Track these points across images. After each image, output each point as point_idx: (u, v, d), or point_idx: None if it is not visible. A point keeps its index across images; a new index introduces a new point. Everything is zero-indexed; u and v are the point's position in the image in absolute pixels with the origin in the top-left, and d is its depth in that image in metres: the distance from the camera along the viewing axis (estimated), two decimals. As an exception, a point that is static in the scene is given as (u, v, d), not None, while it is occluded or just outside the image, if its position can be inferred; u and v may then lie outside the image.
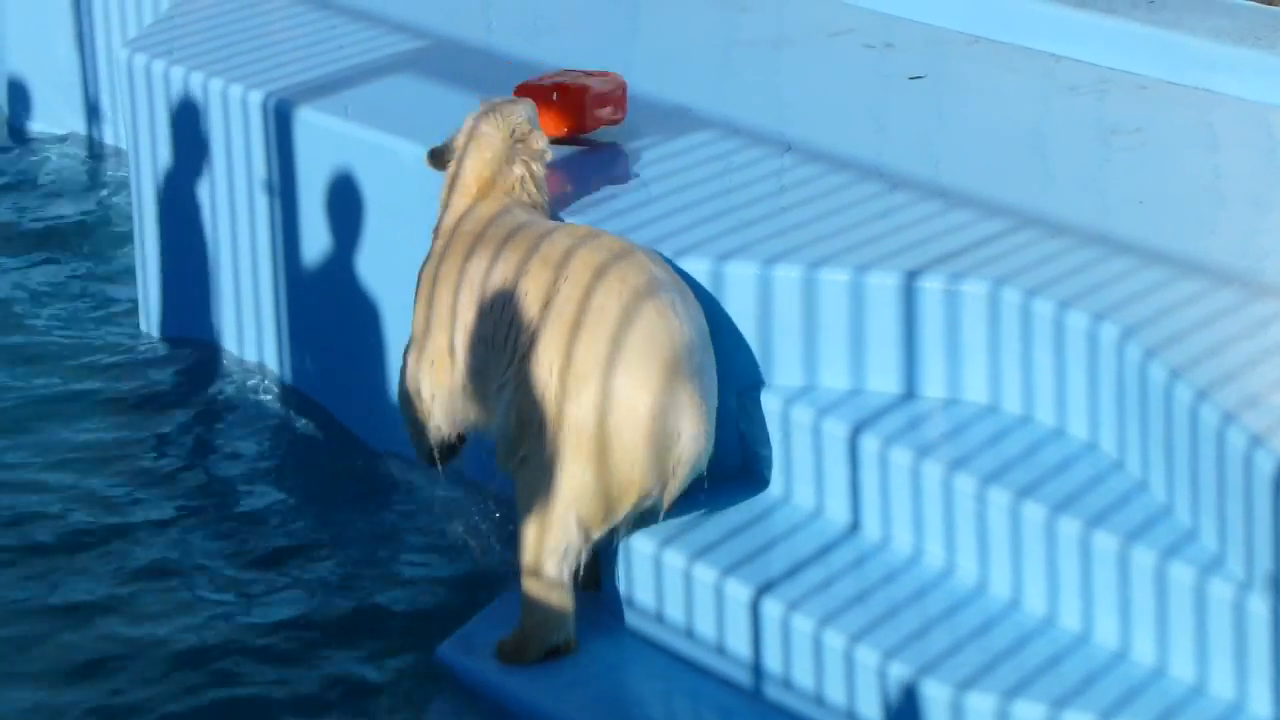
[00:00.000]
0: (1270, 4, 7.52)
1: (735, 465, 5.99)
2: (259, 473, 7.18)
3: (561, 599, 5.79)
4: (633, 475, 5.62)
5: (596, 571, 5.91)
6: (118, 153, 9.14)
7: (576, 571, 5.77)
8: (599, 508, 5.69)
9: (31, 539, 6.69)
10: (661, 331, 5.58)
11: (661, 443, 5.59)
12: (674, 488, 5.66)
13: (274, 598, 6.41)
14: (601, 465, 5.62)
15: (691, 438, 5.60)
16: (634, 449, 5.60)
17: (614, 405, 5.58)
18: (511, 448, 5.80)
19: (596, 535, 5.73)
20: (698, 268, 5.89)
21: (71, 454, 7.22)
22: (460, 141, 6.19)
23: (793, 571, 5.60)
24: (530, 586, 5.81)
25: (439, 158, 6.25)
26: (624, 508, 5.69)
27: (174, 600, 6.43)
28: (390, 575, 6.51)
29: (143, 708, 5.90)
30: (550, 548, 5.74)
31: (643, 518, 5.74)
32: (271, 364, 7.48)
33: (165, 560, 6.63)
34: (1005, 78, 7.30)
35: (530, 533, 5.76)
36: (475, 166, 6.11)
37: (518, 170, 6.07)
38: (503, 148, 6.08)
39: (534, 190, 6.11)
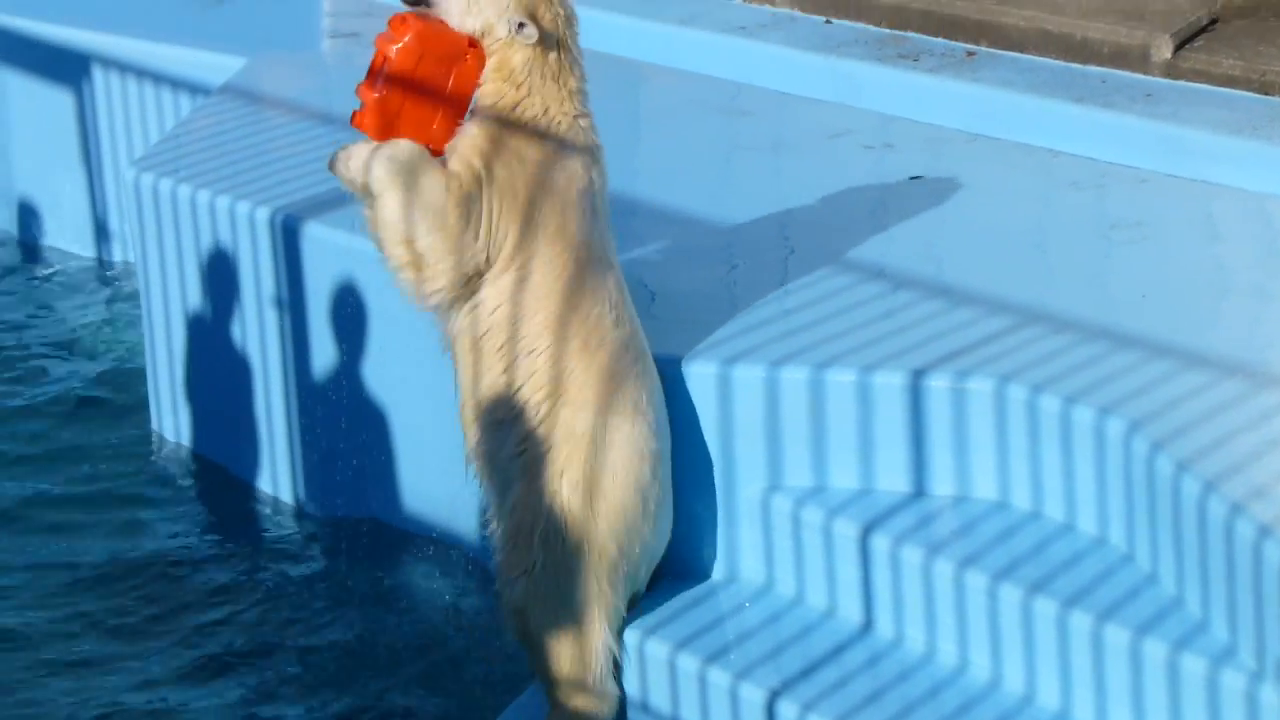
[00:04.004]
0: (1266, 94, 7.57)
1: (748, 567, 6.02)
2: (273, 577, 7.20)
3: (601, 707, 5.85)
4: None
5: None
6: (127, 268, 9.18)
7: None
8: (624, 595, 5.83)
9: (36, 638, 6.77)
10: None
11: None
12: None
13: (305, 701, 6.47)
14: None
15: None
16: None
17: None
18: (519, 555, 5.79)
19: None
20: (705, 371, 5.92)
21: (79, 554, 7.30)
22: None
23: (807, 672, 5.60)
24: (565, 696, 5.85)
25: None
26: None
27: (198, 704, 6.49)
28: (422, 677, 6.55)
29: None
30: (575, 658, 5.81)
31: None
32: (281, 469, 7.51)
33: (179, 666, 6.68)
34: (1005, 175, 7.33)
35: (564, 645, 5.80)
36: None
37: None
38: None
39: None
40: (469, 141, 5.60)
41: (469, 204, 5.56)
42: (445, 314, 5.72)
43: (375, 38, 5.67)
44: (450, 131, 5.65)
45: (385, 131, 5.60)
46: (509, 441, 5.72)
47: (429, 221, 5.54)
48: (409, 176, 5.54)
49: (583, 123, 5.74)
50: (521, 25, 5.60)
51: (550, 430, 5.69)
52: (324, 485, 7.38)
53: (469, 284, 5.64)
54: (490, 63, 5.66)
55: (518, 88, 5.65)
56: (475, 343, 5.69)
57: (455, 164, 5.58)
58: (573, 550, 5.73)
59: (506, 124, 5.63)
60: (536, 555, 5.74)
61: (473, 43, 5.66)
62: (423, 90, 5.62)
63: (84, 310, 9.24)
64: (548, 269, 5.66)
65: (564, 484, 5.69)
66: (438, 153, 5.63)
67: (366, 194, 5.63)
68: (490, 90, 5.65)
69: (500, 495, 5.80)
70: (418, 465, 6.97)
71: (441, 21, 5.67)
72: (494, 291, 5.65)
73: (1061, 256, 6.64)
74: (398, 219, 5.57)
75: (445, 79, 5.65)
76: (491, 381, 5.69)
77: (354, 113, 5.65)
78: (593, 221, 5.72)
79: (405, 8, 5.69)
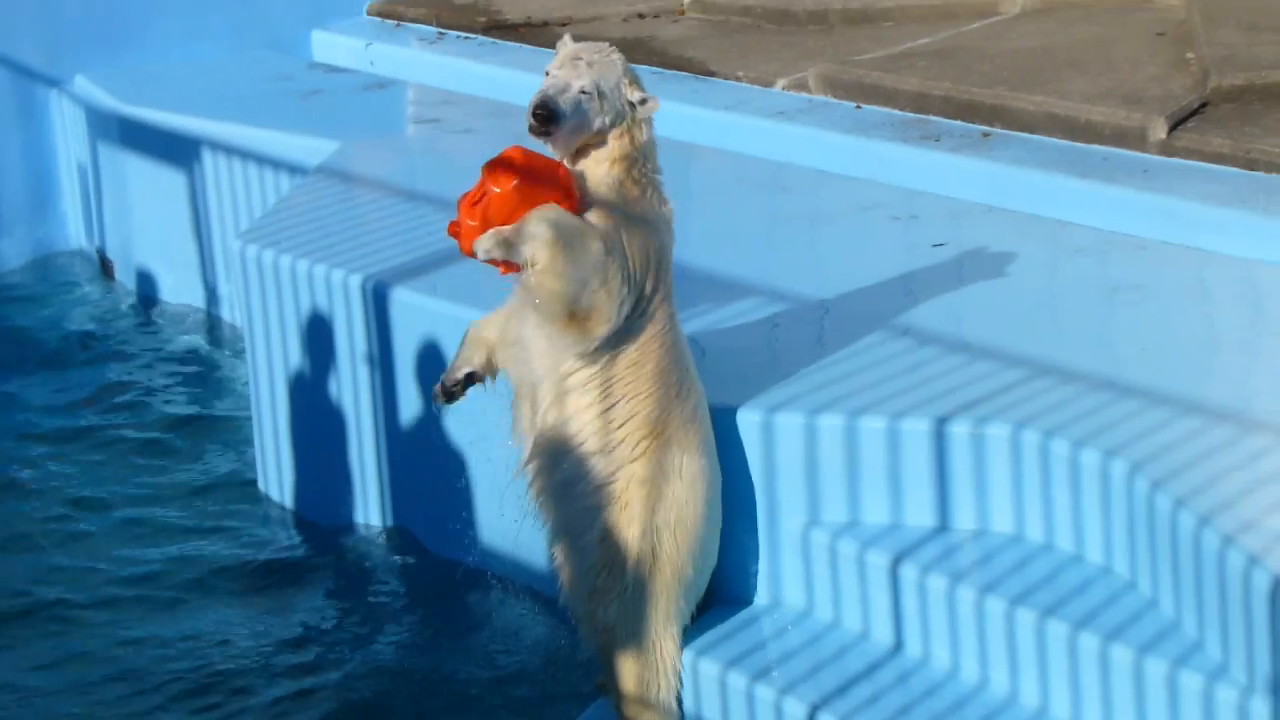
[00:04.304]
0: (1252, 170, 7.57)
1: (790, 593, 6.03)
2: (351, 602, 7.24)
3: None
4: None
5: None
6: (233, 326, 9.23)
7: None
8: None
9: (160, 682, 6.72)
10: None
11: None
12: None
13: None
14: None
15: None
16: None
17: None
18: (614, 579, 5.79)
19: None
20: (752, 418, 5.93)
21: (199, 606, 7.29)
22: None
23: (843, 688, 5.61)
24: (635, 712, 5.87)
25: None
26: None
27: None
28: (485, 695, 6.54)
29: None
30: (647, 679, 5.84)
31: None
32: (373, 505, 7.52)
33: (275, 690, 6.67)
34: (1017, 242, 7.32)
35: (643, 661, 5.83)
36: None
37: None
38: None
39: None
40: (602, 208, 5.54)
41: (621, 258, 5.51)
42: (586, 354, 5.62)
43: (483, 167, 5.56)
44: None
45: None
46: (598, 475, 5.72)
47: (597, 277, 5.46)
48: (577, 240, 5.43)
49: (664, 193, 5.73)
50: (644, 101, 5.59)
51: (646, 466, 5.70)
52: (409, 517, 7.41)
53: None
54: (612, 150, 5.58)
55: (633, 165, 5.59)
56: (584, 384, 5.65)
57: (603, 220, 5.51)
58: (660, 575, 5.77)
59: (625, 193, 5.60)
60: (630, 579, 5.76)
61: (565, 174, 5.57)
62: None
63: (193, 363, 9.29)
64: (661, 322, 5.68)
65: (657, 516, 5.72)
66: None
67: (525, 261, 5.45)
68: (608, 172, 5.58)
69: (584, 525, 5.79)
70: (493, 500, 6.99)
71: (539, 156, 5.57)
72: (629, 341, 5.64)
73: (1069, 315, 6.65)
74: (566, 275, 5.43)
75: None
76: (589, 420, 5.67)
77: (452, 224, 5.58)
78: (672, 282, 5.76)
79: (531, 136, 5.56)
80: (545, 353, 5.66)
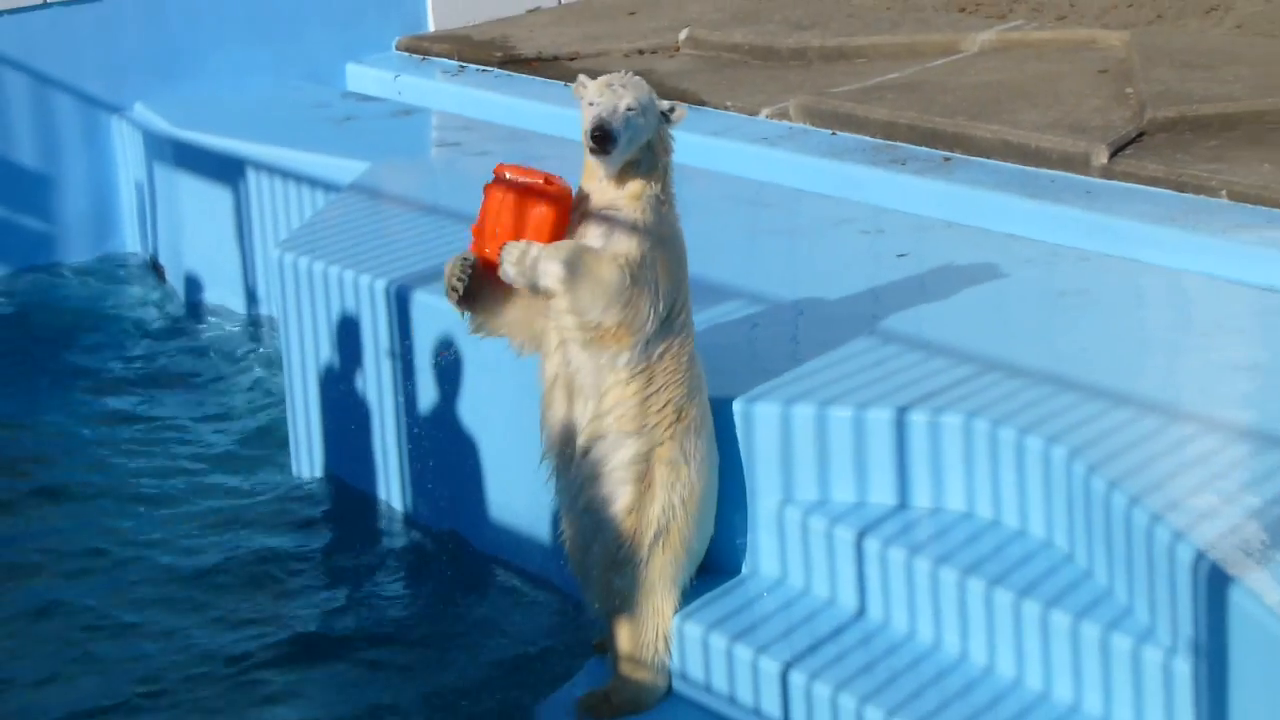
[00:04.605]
0: (1182, 192, 7.59)
1: (766, 564, 6.05)
2: (376, 573, 7.23)
3: (659, 681, 5.88)
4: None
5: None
6: (271, 325, 9.23)
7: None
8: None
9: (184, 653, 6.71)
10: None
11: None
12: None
13: (397, 676, 6.47)
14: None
15: None
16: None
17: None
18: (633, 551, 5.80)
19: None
20: (734, 408, 5.95)
21: (217, 548, 7.35)
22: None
23: (813, 648, 5.63)
24: (630, 669, 5.87)
25: None
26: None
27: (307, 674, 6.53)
28: (494, 655, 6.55)
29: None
30: (646, 641, 5.85)
31: None
32: (394, 487, 7.52)
33: (291, 650, 6.67)
34: (973, 254, 7.33)
35: (647, 624, 5.84)
36: None
37: None
38: None
39: None
40: (625, 225, 5.52)
41: (645, 281, 5.50)
42: (620, 364, 5.61)
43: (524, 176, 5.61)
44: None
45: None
46: (632, 455, 5.71)
47: (619, 299, 5.46)
48: (586, 270, 5.43)
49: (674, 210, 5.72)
50: (673, 109, 5.60)
51: (671, 449, 5.70)
52: (427, 500, 7.40)
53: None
54: (657, 165, 5.58)
55: (655, 180, 5.59)
56: (629, 373, 5.62)
57: (627, 247, 5.50)
58: (671, 547, 5.79)
59: (660, 209, 5.61)
60: (647, 552, 5.77)
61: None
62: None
63: (235, 358, 9.28)
64: (686, 324, 5.70)
65: (675, 495, 5.73)
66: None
67: (548, 294, 5.48)
68: (644, 189, 5.56)
69: (612, 501, 5.77)
70: (502, 484, 7.01)
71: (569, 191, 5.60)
72: (662, 332, 5.63)
73: (1018, 318, 6.67)
74: (586, 305, 5.45)
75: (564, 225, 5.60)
76: (631, 405, 5.64)
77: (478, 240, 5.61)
78: None
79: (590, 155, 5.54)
80: (589, 355, 5.64)
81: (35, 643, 6.69)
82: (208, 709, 6.30)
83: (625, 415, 5.66)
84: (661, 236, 5.57)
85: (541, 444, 5.91)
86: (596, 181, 5.59)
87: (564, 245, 5.47)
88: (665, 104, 5.59)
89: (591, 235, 5.56)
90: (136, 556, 7.32)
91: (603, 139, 5.43)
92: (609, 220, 5.55)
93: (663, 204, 5.60)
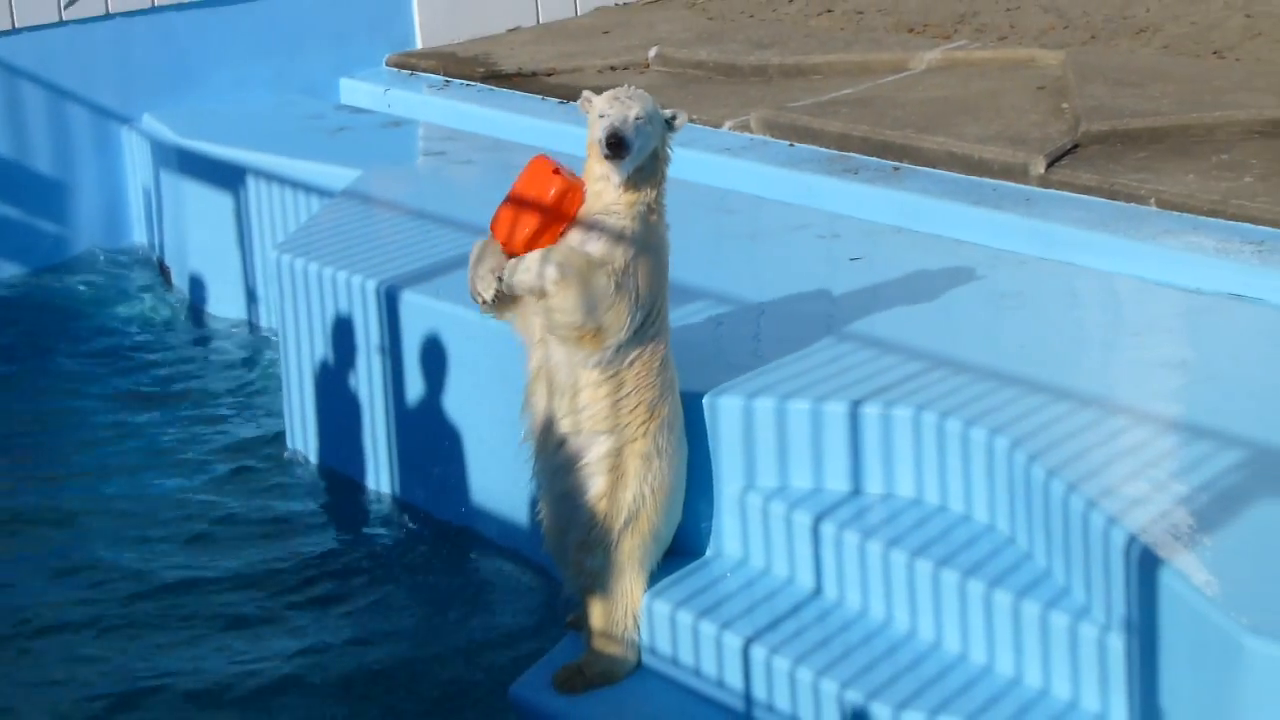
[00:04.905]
0: (1114, 200, 7.58)
1: (729, 546, 6.01)
2: (365, 554, 7.17)
3: (629, 655, 5.83)
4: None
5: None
6: (269, 324, 9.17)
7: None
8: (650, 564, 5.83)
9: (172, 619, 6.66)
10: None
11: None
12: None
13: (372, 647, 6.43)
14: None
15: None
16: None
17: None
18: (603, 535, 5.74)
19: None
20: (699, 401, 5.92)
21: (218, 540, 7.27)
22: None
23: (773, 624, 5.61)
24: (603, 644, 5.82)
25: None
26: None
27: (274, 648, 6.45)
28: (475, 631, 6.50)
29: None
30: (617, 619, 5.80)
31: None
32: (383, 475, 7.47)
33: (254, 612, 6.64)
34: (921, 257, 7.32)
35: (618, 602, 5.79)
36: None
37: None
38: None
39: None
40: (615, 232, 5.47)
41: (627, 287, 5.46)
42: (598, 365, 5.56)
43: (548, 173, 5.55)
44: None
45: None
46: (605, 449, 5.67)
47: (603, 304, 5.42)
48: (578, 275, 5.39)
49: (663, 219, 5.66)
50: (675, 116, 5.55)
51: (645, 443, 5.66)
52: (412, 485, 7.36)
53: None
54: (656, 174, 5.54)
55: (653, 187, 5.54)
56: (602, 377, 5.57)
57: (611, 254, 5.45)
58: (640, 532, 5.74)
59: (649, 219, 5.56)
60: (617, 536, 5.73)
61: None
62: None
63: (235, 354, 9.23)
64: (662, 331, 5.65)
65: (646, 485, 5.69)
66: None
67: (541, 294, 5.45)
68: (639, 199, 5.51)
69: (586, 489, 5.72)
70: (483, 471, 6.97)
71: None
72: (640, 344, 5.58)
73: (962, 318, 6.64)
74: (575, 307, 5.40)
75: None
76: (603, 406, 5.60)
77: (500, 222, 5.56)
78: None
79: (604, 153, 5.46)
80: (565, 352, 5.59)
81: (22, 628, 6.61)
82: (183, 674, 6.27)
83: (597, 415, 5.62)
84: (646, 245, 5.53)
85: (523, 431, 5.86)
86: (593, 184, 5.53)
87: (559, 249, 5.45)
88: (667, 112, 5.56)
89: (581, 239, 5.50)
90: (137, 543, 7.27)
91: (617, 145, 5.38)
92: (599, 226, 5.49)
93: (652, 213, 5.56)
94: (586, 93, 5.62)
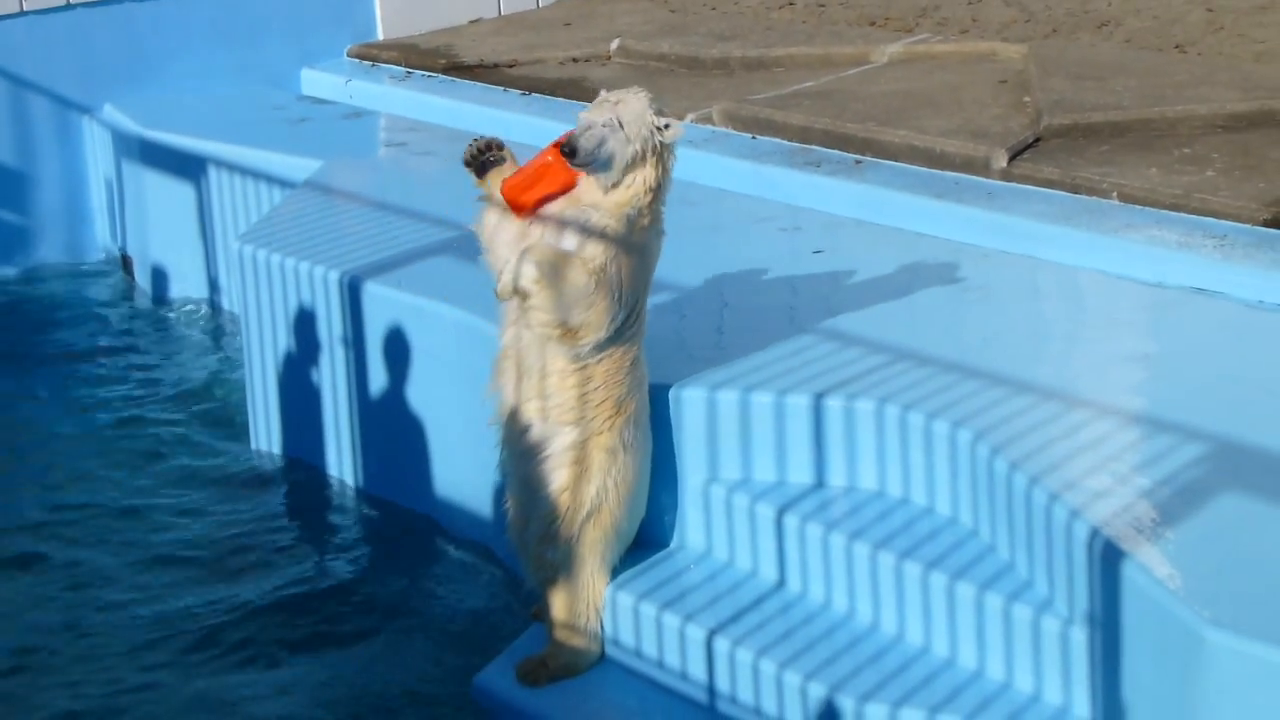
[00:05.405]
0: (1076, 193, 7.57)
1: (693, 539, 5.99)
2: (329, 546, 7.14)
3: (592, 647, 5.81)
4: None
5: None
6: (232, 313, 9.16)
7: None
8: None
9: (136, 610, 6.62)
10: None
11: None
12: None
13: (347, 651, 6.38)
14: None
15: None
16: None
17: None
18: (566, 527, 5.72)
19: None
20: (662, 394, 5.90)
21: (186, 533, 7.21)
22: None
23: (736, 616, 5.59)
24: (565, 636, 5.80)
25: None
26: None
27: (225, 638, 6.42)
28: (438, 623, 6.47)
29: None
30: (580, 611, 5.78)
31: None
32: (347, 465, 7.44)
33: (209, 602, 6.62)
34: (883, 250, 7.30)
35: (578, 594, 5.77)
36: None
37: None
38: None
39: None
40: (597, 230, 5.44)
41: (610, 285, 5.43)
42: (578, 357, 5.53)
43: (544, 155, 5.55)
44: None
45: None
46: (569, 442, 5.64)
47: (582, 302, 5.40)
48: (555, 272, 5.38)
49: (660, 223, 5.64)
50: (668, 126, 5.49)
51: (610, 438, 5.63)
52: (376, 476, 7.33)
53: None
54: (647, 179, 5.49)
55: (656, 196, 5.54)
56: (570, 370, 5.54)
57: (595, 252, 5.43)
58: (601, 525, 5.72)
59: (636, 223, 5.53)
60: (578, 529, 5.70)
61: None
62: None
63: (198, 344, 9.17)
64: (639, 333, 5.62)
65: (610, 479, 5.67)
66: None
67: (521, 294, 5.44)
68: (628, 202, 5.48)
69: (548, 480, 5.69)
70: (447, 462, 6.93)
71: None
72: (614, 339, 5.55)
73: (925, 310, 6.62)
74: (553, 305, 5.40)
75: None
76: (570, 399, 5.58)
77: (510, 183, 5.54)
78: None
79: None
80: (538, 342, 5.57)
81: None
82: (151, 666, 6.22)
83: (563, 406, 5.60)
84: (630, 246, 5.50)
85: (491, 414, 5.85)
86: (584, 180, 5.51)
87: (537, 248, 5.43)
88: (661, 121, 5.49)
89: (561, 236, 5.49)
90: (101, 534, 7.22)
91: (570, 153, 5.38)
92: (581, 222, 5.47)
93: (643, 217, 5.53)
94: (603, 92, 5.59)
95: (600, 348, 5.52)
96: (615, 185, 5.46)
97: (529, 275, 5.39)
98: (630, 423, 5.66)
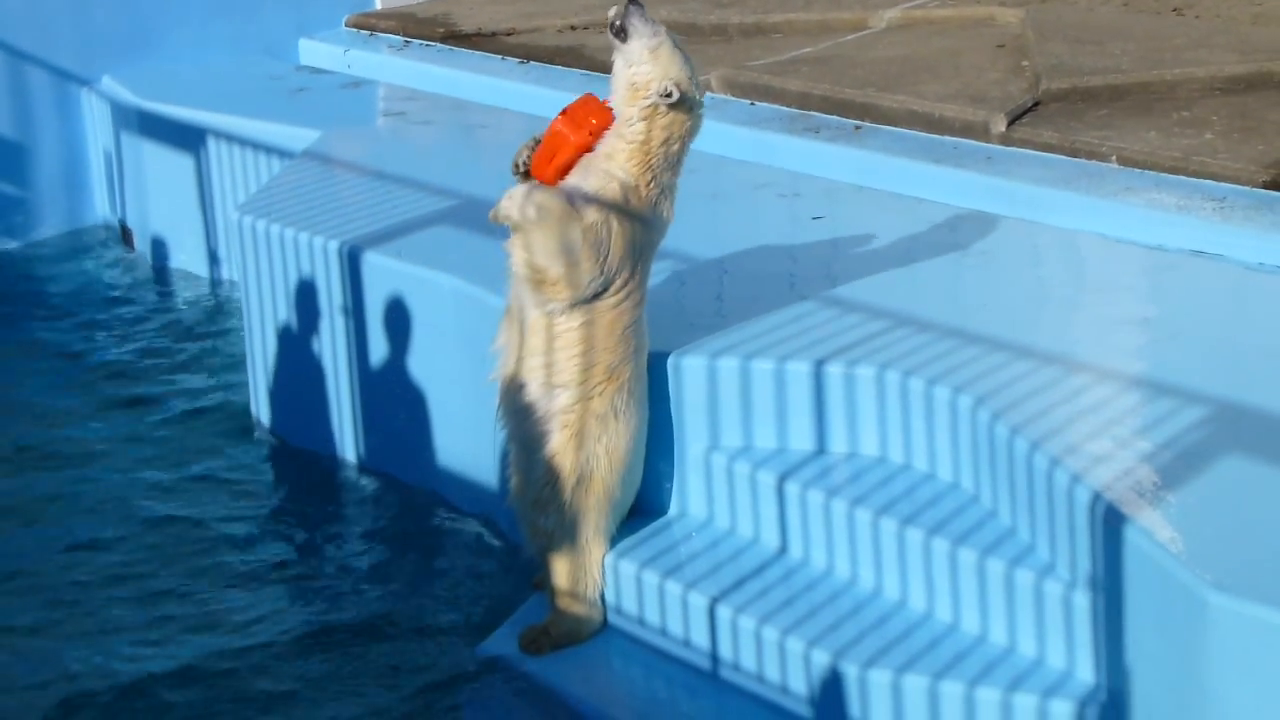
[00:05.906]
0: (1075, 157, 7.53)
1: (694, 506, 5.97)
2: (330, 518, 7.12)
3: (593, 614, 5.78)
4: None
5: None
6: (231, 285, 9.16)
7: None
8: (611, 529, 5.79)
9: (130, 581, 6.59)
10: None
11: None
12: None
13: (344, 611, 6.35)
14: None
15: None
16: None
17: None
18: (557, 493, 5.71)
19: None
20: (662, 361, 5.87)
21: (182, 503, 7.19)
22: None
23: (738, 584, 5.57)
24: (566, 604, 5.78)
25: None
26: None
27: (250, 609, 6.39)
28: (441, 594, 6.42)
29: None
30: (580, 579, 5.76)
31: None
32: (347, 435, 7.40)
33: (215, 575, 6.59)
34: (882, 216, 7.27)
35: (576, 561, 5.75)
36: None
37: None
38: None
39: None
40: (604, 201, 5.45)
41: (597, 249, 5.43)
42: (551, 313, 5.55)
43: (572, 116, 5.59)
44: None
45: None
46: (561, 405, 5.62)
47: (566, 259, 5.40)
48: (557, 224, 5.38)
49: (668, 201, 5.64)
50: (669, 94, 5.48)
51: (601, 404, 5.61)
52: (375, 446, 7.29)
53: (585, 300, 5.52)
54: (635, 132, 5.52)
55: (648, 166, 5.54)
56: (567, 331, 5.55)
57: (592, 215, 5.44)
58: (593, 492, 5.70)
59: (634, 192, 5.53)
60: (568, 494, 5.68)
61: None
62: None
63: (198, 315, 9.15)
64: (637, 297, 5.60)
65: (600, 446, 5.65)
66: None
67: (517, 227, 5.45)
68: (622, 165, 5.51)
69: (538, 444, 5.68)
70: (447, 430, 6.90)
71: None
72: (604, 307, 5.54)
73: (926, 276, 6.58)
74: (540, 252, 5.40)
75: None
76: (566, 361, 5.58)
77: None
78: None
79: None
80: (524, 289, 5.58)
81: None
82: (153, 643, 6.18)
83: (554, 367, 5.58)
84: (629, 214, 5.49)
85: (493, 370, 5.84)
86: (612, 132, 5.54)
87: (547, 191, 5.45)
88: (668, 84, 5.50)
89: (573, 192, 5.49)
90: (100, 506, 7.19)
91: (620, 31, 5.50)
92: (585, 176, 5.49)
93: (648, 186, 5.54)
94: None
95: (573, 308, 5.50)
96: (638, 149, 5.49)
97: (530, 215, 5.38)
98: (623, 390, 5.64)
